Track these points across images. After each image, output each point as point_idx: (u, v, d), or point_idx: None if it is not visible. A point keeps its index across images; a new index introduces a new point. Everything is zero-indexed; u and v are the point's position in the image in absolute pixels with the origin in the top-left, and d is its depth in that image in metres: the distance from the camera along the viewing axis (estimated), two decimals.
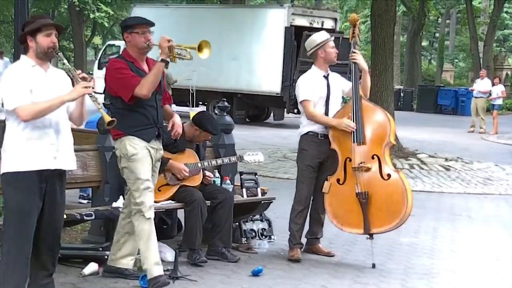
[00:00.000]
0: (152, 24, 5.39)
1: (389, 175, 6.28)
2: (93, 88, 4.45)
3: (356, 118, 6.33)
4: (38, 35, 4.43)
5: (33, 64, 4.45)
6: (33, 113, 4.33)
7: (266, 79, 20.38)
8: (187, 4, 29.71)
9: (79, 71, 4.50)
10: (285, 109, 20.90)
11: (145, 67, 5.38)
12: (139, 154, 5.29)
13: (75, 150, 6.17)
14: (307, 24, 20.65)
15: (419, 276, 6.22)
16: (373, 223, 6.26)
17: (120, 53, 5.44)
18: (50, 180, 4.49)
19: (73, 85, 4.55)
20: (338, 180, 6.35)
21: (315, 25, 20.77)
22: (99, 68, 24.35)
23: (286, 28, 20.31)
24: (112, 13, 40.84)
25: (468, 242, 7.77)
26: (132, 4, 26.28)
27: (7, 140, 4.43)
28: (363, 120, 6.34)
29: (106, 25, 43.60)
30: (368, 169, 6.26)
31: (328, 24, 21.40)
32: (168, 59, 5.27)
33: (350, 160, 6.32)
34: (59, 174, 4.56)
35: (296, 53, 19.66)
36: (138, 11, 22.79)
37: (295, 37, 19.64)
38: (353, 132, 6.28)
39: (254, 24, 21.35)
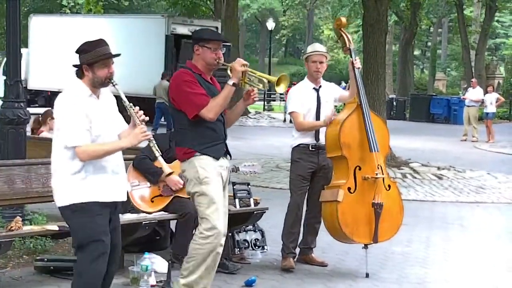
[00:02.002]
0: (225, 41, 5.14)
1: (389, 186, 6.30)
2: (153, 134, 4.25)
3: (369, 126, 6.23)
4: (95, 65, 4.24)
5: (89, 93, 4.26)
6: (91, 157, 4.20)
7: (151, 83, 21.08)
8: (80, 14, 30.96)
9: (136, 108, 4.32)
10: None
11: (209, 80, 5.18)
12: (211, 177, 5.01)
13: None
14: (188, 33, 22.51)
15: (412, 285, 6.22)
16: (380, 234, 6.25)
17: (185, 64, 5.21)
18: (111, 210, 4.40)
19: (126, 119, 4.42)
20: (349, 189, 6.19)
21: None
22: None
23: (166, 36, 22.61)
24: None
25: (460, 251, 7.78)
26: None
27: (64, 170, 4.26)
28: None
29: None
30: (377, 179, 6.20)
31: None
32: (238, 83, 5.01)
33: (360, 169, 6.23)
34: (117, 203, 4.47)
35: (176, 59, 21.99)
36: (36, 20, 26.17)
37: (184, 44, 21.62)
38: (370, 141, 6.20)
39: (140, 32, 23.31)
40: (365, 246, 6.35)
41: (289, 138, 6.83)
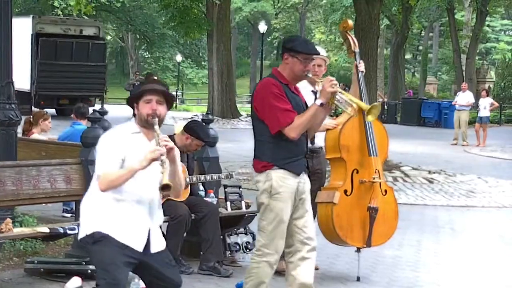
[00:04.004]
0: (317, 53, 4.97)
1: (386, 191, 6.30)
2: (162, 155, 3.88)
3: (369, 130, 6.21)
4: (140, 102, 4.05)
5: (136, 130, 4.06)
6: (106, 182, 3.94)
7: (20, 78, 21.85)
8: None
9: (164, 136, 4.02)
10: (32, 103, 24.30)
11: (294, 90, 4.96)
12: (284, 194, 4.78)
13: (58, 164, 6.22)
14: (61, 32, 25.41)
15: None
16: (374, 238, 6.25)
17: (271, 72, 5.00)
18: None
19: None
20: (345, 192, 6.16)
21: (71, 32, 25.64)
22: None
23: (32, 35, 24.76)
24: None
25: (451, 254, 7.80)
26: None
27: (92, 203, 4.07)
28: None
29: None
30: (374, 183, 6.18)
31: (90, 31, 26.27)
32: (325, 104, 4.76)
33: (357, 172, 6.21)
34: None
35: (36, 56, 24.44)
36: None
37: (43, 42, 24.43)
38: (369, 145, 6.17)
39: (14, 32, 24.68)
40: (358, 250, 6.34)
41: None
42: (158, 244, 4.12)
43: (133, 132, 4.06)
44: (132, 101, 4.10)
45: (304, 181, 4.93)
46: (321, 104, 4.73)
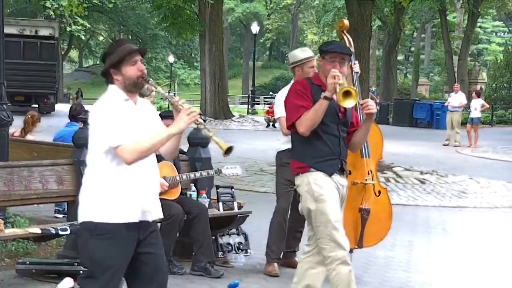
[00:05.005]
0: (348, 53, 4.87)
1: (379, 192, 6.30)
2: (200, 114, 3.80)
3: None
4: (123, 67, 3.81)
5: (125, 97, 3.82)
6: (136, 153, 3.68)
7: None
8: None
9: (177, 98, 3.88)
10: None
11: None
12: (328, 194, 4.75)
13: (50, 165, 6.20)
14: (16, 32, 26.76)
15: None
16: (366, 239, 6.25)
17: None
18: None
19: (171, 115, 3.96)
20: None
21: (27, 32, 27.32)
22: None
23: None
24: (89, 26, 40.80)
25: (443, 255, 7.82)
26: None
27: (95, 184, 3.79)
28: None
29: (83, 38, 43.47)
30: (366, 185, 6.15)
31: (46, 32, 27.80)
32: (331, 97, 4.67)
33: (350, 173, 6.21)
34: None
35: None
36: None
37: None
38: (362, 147, 6.10)
39: None
40: (350, 251, 6.34)
41: (274, 141, 6.81)
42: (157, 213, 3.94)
43: (125, 99, 3.83)
44: (113, 66, 3.82)
45: (344, 185, 4.89)
46: (325, 97, 4.66)
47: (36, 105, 28.56)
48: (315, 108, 4.68)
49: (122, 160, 3.69)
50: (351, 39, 6.30)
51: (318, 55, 5.00)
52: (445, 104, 23.78)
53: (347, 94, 4.59)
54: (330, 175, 4.80)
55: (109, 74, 3.85)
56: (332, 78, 4.62)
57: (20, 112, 23.59)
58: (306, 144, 4.79)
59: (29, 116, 9.24)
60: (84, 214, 3.78)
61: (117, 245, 3.72)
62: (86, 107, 7.84)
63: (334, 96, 4.66)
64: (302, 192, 4.83)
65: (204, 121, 3.91)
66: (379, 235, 6.36)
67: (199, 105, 30.81)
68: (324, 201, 4.73)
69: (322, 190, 4.74)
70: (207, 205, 6.60)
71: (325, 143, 4.78)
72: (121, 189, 3.74)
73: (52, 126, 14.66)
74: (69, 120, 8.91)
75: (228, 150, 3.78)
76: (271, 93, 41.96)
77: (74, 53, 56.45)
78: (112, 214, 3.72)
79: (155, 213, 3.91)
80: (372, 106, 4.76)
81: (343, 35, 6.31)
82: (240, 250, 6.95)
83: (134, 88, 3.84)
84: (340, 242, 4.73)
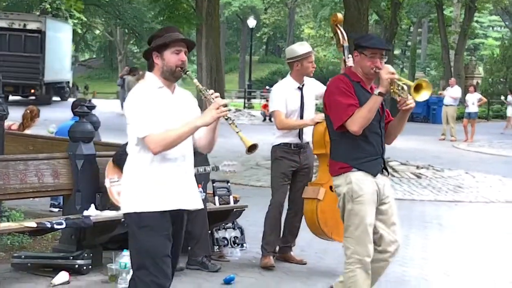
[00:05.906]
0: (388, 49, 4.79)
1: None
2: (229, 109, 3.83)
3: None
4: (166, 52, 3.86)
5: (160, 85, 3.87)
6: (163, 144, 3.74)
7: None
8: None
9: (211, 91, 3.88)
10: None
11: (369, 89, 4.80)
12: (366, 196, 4.65)
13: (46, 158, 6.19)
14: (6, 26, 28.75)
15: (390, 284, 6.24)
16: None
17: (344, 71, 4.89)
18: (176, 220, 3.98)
19: (203, 107, 3.98)
20: (330, 188, 6.02)
21: (16, 26, 28.96)
22: None
23: None
24: (85, 20, 40.67)
25: (439, 249, 7.83)
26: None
27: (133, 174, 3.88)
28: None
29: (79, 31, 43.34)
30: None
31: (33, 26, 29.28)
32: (387, 93, 4.64)
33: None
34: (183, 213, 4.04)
35: None
36: None
37: None
38: None
39: None
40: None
41: (270, 136, 6.81)
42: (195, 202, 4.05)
43: (159, 87, 3.87)
44: (151, 52, 3.87)
45: (384, 182, 4.79)
46: (380, 94, 4.59)
47: (33, 97, 29.22)
48: (369, 106, 4.57)
49: (149, 150, 3.77)
50: (344, 33, 6.29)
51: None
52: (439, 93, 23.77)
53: (419, 87, 4.50)
54: (375, 175, 4.71)
55: (150, 56, 3.91)
56: (389, 74, 4.56)
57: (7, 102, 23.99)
58: (348, 143, 4.66)
59: (28, 111, 9.21)
60: (126, 205, 3.90)
61: (160, 233, 3.82)
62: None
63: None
64: (341, 191, 4.72)
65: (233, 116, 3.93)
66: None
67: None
68: (360, 203, 4.65)
69: (361, 191, 4.65)
70: (202, 199, 6.59)
71: (370, 142, 4.69)
72: (156, 179, 3.82)
73: (48, 120, 14.63)
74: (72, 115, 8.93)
75: (252, 148, 3.85)
76: (267, 87, 41.95)
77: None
78: (151, 203, 3.81)
79: (191, 203, 3.99)
80: (410, 101, 4.67)
81: (336, 29, 6.30)
82: (236, 244, 6.95)
83: (171, 76, 3.89)
84: (368, 247, 4.69)
